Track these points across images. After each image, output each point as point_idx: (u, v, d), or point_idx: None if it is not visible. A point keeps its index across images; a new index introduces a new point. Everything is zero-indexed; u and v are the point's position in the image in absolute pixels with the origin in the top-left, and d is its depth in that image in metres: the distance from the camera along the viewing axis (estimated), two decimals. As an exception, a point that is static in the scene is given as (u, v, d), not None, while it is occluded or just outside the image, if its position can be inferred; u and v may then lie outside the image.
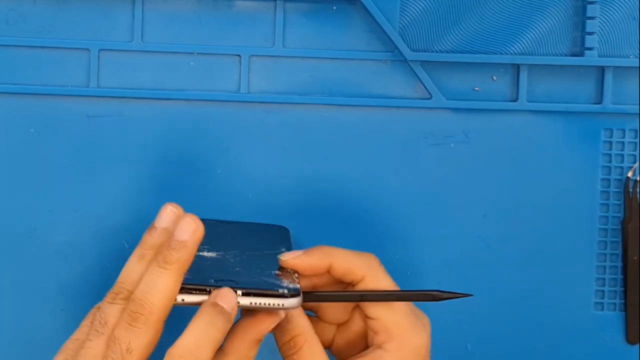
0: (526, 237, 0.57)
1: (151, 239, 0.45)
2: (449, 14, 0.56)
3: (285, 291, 0.43)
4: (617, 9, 0.57)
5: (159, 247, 0.44)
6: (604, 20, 0.57)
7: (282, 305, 0.43)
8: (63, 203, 0.55)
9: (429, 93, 0.56)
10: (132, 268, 0.44)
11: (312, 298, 0.46)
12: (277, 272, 0.46)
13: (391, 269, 0.49)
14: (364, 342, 0.49)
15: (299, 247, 0.48)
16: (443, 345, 0.56)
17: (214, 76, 0.56)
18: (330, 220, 0.56)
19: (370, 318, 0.48)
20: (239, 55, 0.56)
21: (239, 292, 0.43)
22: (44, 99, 0.55)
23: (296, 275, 0.46)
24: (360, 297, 0.47)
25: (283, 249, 0.49)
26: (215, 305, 0.43)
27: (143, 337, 0.42)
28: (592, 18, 0.56)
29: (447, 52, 0.56)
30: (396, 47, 0.56)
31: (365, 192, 0.57)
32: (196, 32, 0.56)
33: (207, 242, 0.48)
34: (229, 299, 0.43)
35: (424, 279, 0.57)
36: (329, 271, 0.48)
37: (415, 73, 0.56)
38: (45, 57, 0.55)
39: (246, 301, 0.43)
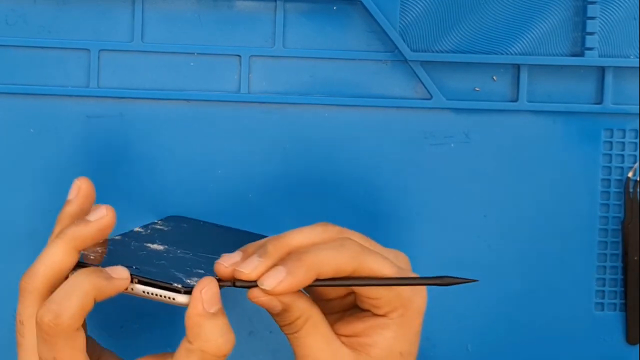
0: (526, 237, 0.57)
1: (59, 214, 0.46)
2: (449, 14, 0.56)
3: (180, 286, 0.42)
4: (617, 9, 0.57)
5: (62, 220, 0.45)
6: (605, 20, 0.57)
7: (174, 299, 0.42)
8: (63, 203, 0.55)
9: (429, 93, 0.56)
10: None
11: (315, 284, 0.43)
12: (200, 270, 0.45)
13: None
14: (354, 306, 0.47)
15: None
16: (443, 346, 0.56)
17: (214, 76, 0.56)
18: (329, 220, 0.56)
19: (370, 298, 0.45)
20: (239, 55, 0.56)
21: (135, 279, 0.43)
22: (44, 99, 0.55)
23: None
24: (366, 283, 0.44)
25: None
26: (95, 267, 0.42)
27: (29, 307, 0.43)
28: (592, 18, 0.56)
29: (447, 52, 0.56)
30: (396, 47, 0.56)
31: (366, 192, 0.57)
32: (196, 32, 0.56)
33: (169, 239, 0.48)
34: (117, 271, 0.42)
35: (424, 279, 0.57)
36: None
37: (415, 73, 0.56)
38: (45, 57, 0.55)
39: (139, 289, 0.43)
